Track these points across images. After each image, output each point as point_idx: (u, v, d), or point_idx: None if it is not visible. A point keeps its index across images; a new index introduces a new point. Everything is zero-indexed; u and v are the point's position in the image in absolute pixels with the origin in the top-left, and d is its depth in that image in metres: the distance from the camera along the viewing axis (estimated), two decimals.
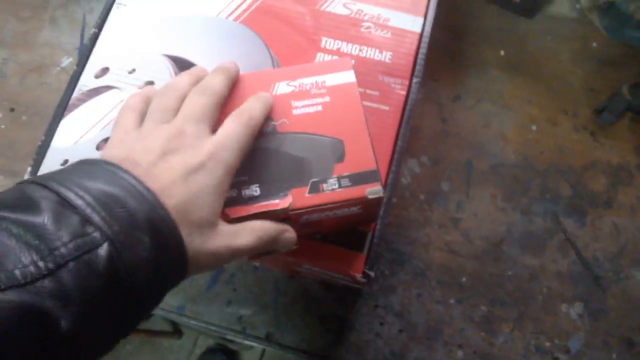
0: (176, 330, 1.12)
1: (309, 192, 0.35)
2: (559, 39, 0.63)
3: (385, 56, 0.50)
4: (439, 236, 0.55)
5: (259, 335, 0.52)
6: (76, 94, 0.45)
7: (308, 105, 0.38)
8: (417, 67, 0.49)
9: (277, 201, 0.35)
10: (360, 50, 0.50)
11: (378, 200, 0.37)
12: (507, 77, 0.61)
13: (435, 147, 0.58)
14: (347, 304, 0.52)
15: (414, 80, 0.49)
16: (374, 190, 0.36)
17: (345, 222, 0.41)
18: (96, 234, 0.23)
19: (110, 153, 0.30)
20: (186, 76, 0.35)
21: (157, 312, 0.54)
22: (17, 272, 0.21)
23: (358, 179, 0.36)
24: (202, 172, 0.29)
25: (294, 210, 0.35)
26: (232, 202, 0.34)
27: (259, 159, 0.36)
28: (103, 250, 0.23)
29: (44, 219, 0.23)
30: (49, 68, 0.65)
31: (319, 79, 0.39)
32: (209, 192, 0.29)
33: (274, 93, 0.38)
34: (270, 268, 0.55)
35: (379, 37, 0.50)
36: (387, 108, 0.48)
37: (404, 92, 0.48)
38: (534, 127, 0.59)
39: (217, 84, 0.34)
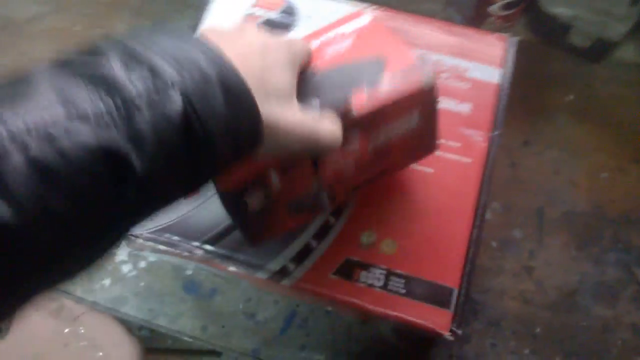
0: (214, 351, 1.12)
1: (368, 98, 0.35)
2: (626, 84, 0.63)
3: (465, 107, 0.50)
4: (513, 285, 0.55)
5: None
6: None
7: (339, 45, 0.39)
8: (498, 119, 0.49)
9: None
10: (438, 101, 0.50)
11: (433, 97, 0.38)
12: (576, 123, 0.61)
13: (506, 193, 0.58)
14: (421, 353, 0.53)
15: (495, 132, 0.49)
16: (427, 77, 0.36)
17: (409, 148, 0.42)
18: (168, 82, 0.23)
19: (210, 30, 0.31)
20: None
21: (234, 354, 0.55)
22: (91, 113, 0.21)
23: (409, 74, 0.36)
24: (278, 50, 0.31)
25: (359, 113, 0.35)
26: None
27: (310, 85, 0.36)
28: (176, 98, 0.23)
29: (115, 65, 0.22)
30: None
31: (339, 30, 0.40)
32: (282, 67, 0.30)
33: None
34: (343, 314, 0.55)
35: (457, 89, 0.50)
36: (469, 160, 0.48)
37: (485, 145, 0.48)
38: (604, 175, 0.59)
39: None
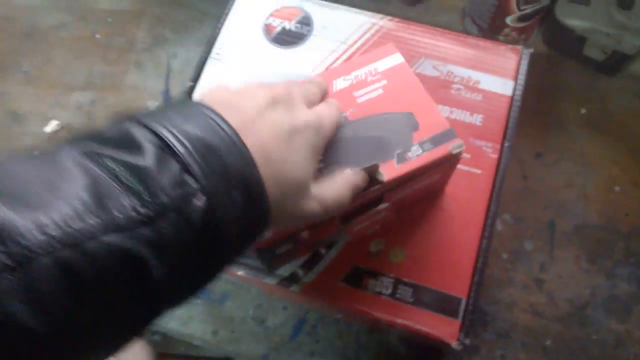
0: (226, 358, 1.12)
1: (397, 164, 0.36)
2: None
3: (476, 119, 0.50)
4: (523, 297, 0.54)
5: None
6: None
7: (370, 92, 0.39)
8: (509, 131, 0.50)
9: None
10: (450, 112, 0.50)
11: (458, 159, 0.39)
12: (588, 136, 0.61)
13: (517, 204, 0.58)
14: None
15: (506, 144, 0.49)
16: (456, 145, 0.37)
17: (425, 194, 0.44)
18: (195, 186, 0.23)
19: (212, 95, 0.29)
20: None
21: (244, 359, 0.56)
22: (119, 215, 0.21)
23: (438, 140, 0.37)
24: (305, 133, 0.29)
25: (388, 182, 0.36)
26: None
27: (339, 147, 0.36)
28: (200, 203, 0.23)
29: (148, 162, 0.22)
30: (135, 111, 0.68)
31: (371, 67, 0.41)
32: (305, 156, 0.29)
33: (335, 90, 0.39)
34: (351, 322, 0.55)
35: (469, 100, 0.51)
36: (479, 172, 0.48)
37: (495, 156, 0.48)
38: (617, 189, 0.59)
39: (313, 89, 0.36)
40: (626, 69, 0.64)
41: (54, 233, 0.19)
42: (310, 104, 0.33)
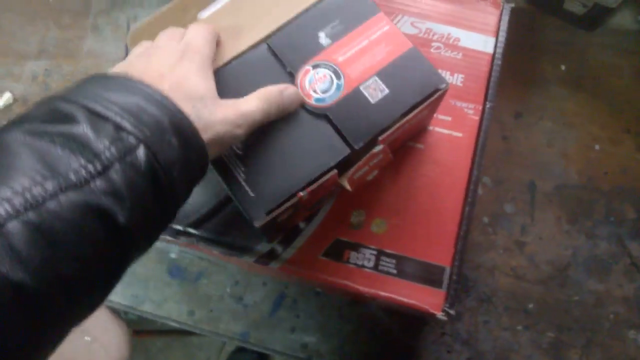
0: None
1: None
2: (621, 53, 0.61)
3: (457, 79, 0.48)
4: (504, 261, 0.54)
5: None
6: None
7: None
8: (490, 91, 0.48)
9: None
10: None
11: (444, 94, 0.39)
12: (569, 94, 0.60)
13: (497, 167, 0.57)
14: (413, 331, 0.52)
15: (487, 105, 0.47)
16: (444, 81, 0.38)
17: (413, 132, 0.44)
18: (131, 139, 0.26)
19: (119, 66, 0.34)
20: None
21: (223, 338, 0.54)
22: (71, 175, 0.23)
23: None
24: (183, 61, 0.33)
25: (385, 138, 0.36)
26: None
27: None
28: (141, 152, 0.26)
29: (83, 128, 0.25)
30: None
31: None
32: (195, 74, 0.33)
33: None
34: (332, 294, 0.54)
35: (449, 59, 0.48)
36: (460, 135, 0.46)
37: (477, 118, 0.47)
38: (597, 147, 0.58)
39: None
40: (606, 23, 0.62)
41: (17, 201, 0.22)
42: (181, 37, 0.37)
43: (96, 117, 0.26)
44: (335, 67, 0.38)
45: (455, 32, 0.49)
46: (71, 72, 0.64)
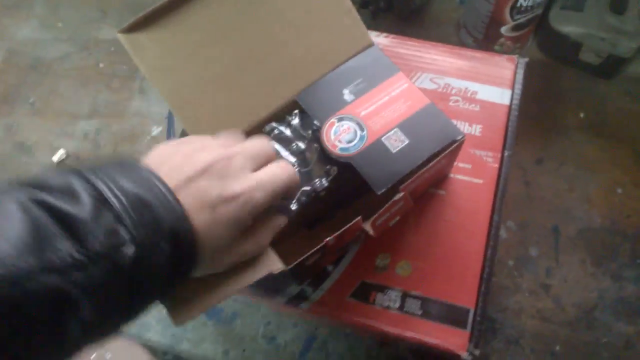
0: None
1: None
2: (638, 99, 0.63)
3: (476, 129, 0.51)
4: (530, 303, 0.55)
5: None
6: None
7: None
8: (508, 140, 0.50)
9: None
10: None
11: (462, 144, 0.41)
12: (589, 140, 0.62)
13: (521, 211, 0.59)
14: None
15: (506, 153, 0.50)
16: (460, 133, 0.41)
17: (434, 180, 0.46)
18: (126, 236, 0.25)
19: (153, 155, 0.32)
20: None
21: None
22: (54, 258, 0.23)
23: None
24: (231, 205, 0.30)
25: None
26: None
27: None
28: (130, 252, 0.25)
29: (84, 212, 0.25)
30: (140, 137, 0.69)
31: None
32: (229, 225, 0.31)
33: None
34: (361, 335, 0.56)
35: (467, 111, 0.51)
36: (480, 181, 0.49)
37: (496, 165, 0.49)
38: (619, 190, 0.59)
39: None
40: (622, 72, 0.64)
41: None
42: (257, 166, 0.34)
43: (101, 204, 0.26)
44: (358, 120, 0.41)
45: (472, 86, 0.53)
46: (119, 130, 0.70)
